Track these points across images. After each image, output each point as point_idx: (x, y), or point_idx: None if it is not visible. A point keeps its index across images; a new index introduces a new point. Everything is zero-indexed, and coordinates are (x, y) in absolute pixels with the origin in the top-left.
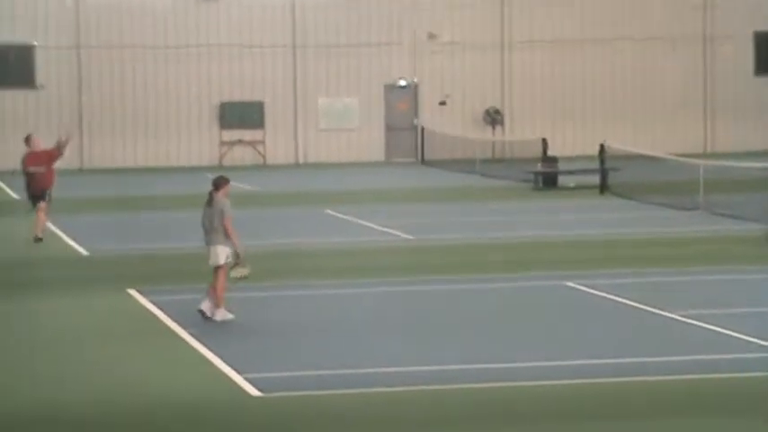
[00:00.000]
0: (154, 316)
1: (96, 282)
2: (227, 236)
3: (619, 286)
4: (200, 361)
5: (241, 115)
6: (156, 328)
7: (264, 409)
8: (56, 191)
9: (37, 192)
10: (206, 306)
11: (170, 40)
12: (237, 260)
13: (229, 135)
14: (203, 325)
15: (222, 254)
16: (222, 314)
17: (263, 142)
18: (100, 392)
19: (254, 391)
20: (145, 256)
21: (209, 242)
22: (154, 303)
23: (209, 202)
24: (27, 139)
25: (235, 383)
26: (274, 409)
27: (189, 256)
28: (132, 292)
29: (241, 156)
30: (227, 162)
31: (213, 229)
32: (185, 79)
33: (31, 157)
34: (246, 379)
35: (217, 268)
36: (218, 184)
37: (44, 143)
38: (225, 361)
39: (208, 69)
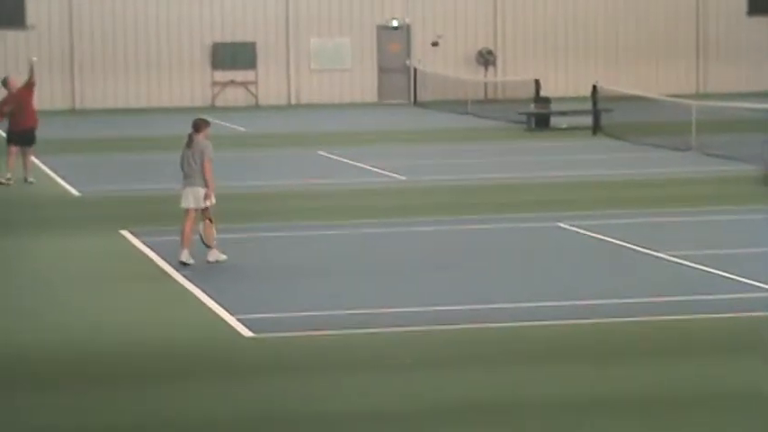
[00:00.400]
0: (147, 257)
1: (88, 223)
2: (204, 178)
3: (611, 227)
4: (193, 302)
5: (233, 56)
6: (149, 270)
7: (256, 350)
8: (48, 132)
9: (25, 133)
10: (212, 255)
11: None
12: (207, 203)
13: (222, 76)
14: (196, 266)
15: (202, 195)
16: (185, 256)
17: (255, 83)
18: (92, 333)
19: (246, 332)
20: (138, 197)
21: (188, 184)
22: (146, 245)
23: (189, 143)
24: (4, 82)
25: (227, 324)
26: (266, 350)
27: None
28: (125, 233)
29: (233, 96)
30: (219, 103)
31: (193, 171)
32: (177, 20)
33: (10, 99)
34: (239, 320)
35: (192, 210)
36: (198, 125)
37: (36, 84)
38: (217, 302)
39: (200, 10)
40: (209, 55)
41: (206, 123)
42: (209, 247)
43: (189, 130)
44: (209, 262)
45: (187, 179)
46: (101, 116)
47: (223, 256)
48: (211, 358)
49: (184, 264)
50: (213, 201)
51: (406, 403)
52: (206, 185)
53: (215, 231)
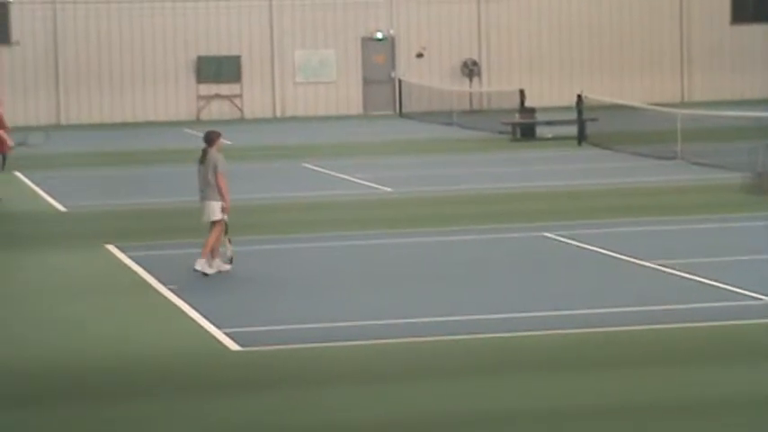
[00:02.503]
0: (133, 272)
1: (74, 238)
2: (219, 191)
3: (597, 236)
4: (180, 316)
5: (218, 69)
6: (136, 284)
7: (243, 363)
8: (33, 147)
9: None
10: (216, 265)
11: None
12: (223, 215)
13: (207, 89)
14: (183, 280)
15: (218, 209)
16: (216, 265)
17: (240, 96)
18: (78, 347)
19: (233, 346)
20: (124, 211)
21: (203, 198)
22: (133, 259)
23: (202, 158)
24: None
25: (214, 338)
26: (253, 363)
27: (169, 211)
28: (111, 247)
29: (219, 110)
30: (204, 116)
31: (207, 184)
32: (162, 34)
33: None
34: (226, 333)
35: (213, 224)
36: (210, 138)
37: (21, 99)
38: (204, 316)
39: (184, 23)
40: (194, 68)
41: (217, 135)
42: (212, 257)
43: (174, 144)
44: (195, 270)
45: (202, 193)
46: (86, 131)
47: (211, 271)
48: (198, 372)
49: (198, 272)
50: (218, 215)
51: (392, 415)
52: (221, 199)
53: (229, 245)
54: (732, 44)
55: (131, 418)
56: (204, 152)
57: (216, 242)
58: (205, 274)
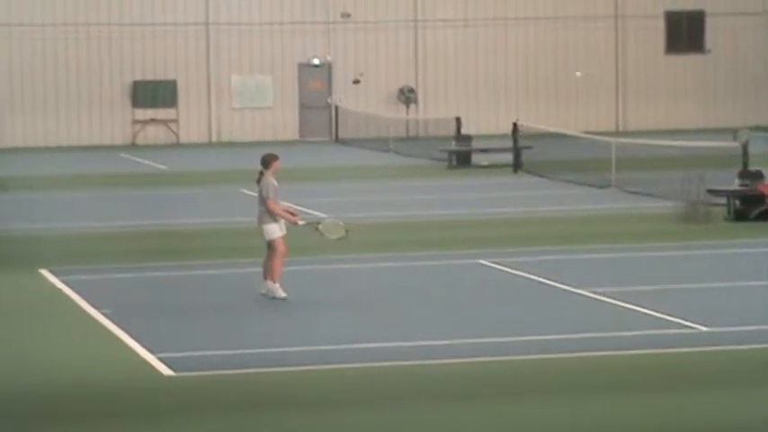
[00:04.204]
0: (66, 296)
1: (6, 262)
2: (273, 216)
3: (531, 264)
4: (113, 341)
5: (154, 94)
6: (69, 309)
7: (176, 389)
8: None
9: None
10: (277, 289)
11: (80, 18)
12: (317, 224)
13: (142, 114)
14: (116, 305)
15: (268, 231)
16: (276, 290)
17: (176, 121)
18: (7, 372)
19: (166, 371)
20: (57, 236)
21: (258, 220)
22: (66, 284)
23: (258, 180)
24: None
25: (147, 363)
26: (187, 389)
27: (103, 235)
28: (44, 272)
29: (154, 134)
30: (140, 141)
31: (260, 207)
32: (98, 58)
33: None
34: (159, 358)
35: (270, 243)
36: (266, 161)
37: None
38: (137, 340)
39: (120, 48)
40: (130, 93)
41: (274, 158)
42: (269, 279)
43: (108, 168)
44: (262, 294)
45: (258, 214)
46: (19, 155)
47: (282, 294)
48: (130, 398)
49: (274, 298)
50: (273, 235)
51: None
52: (274, 221)
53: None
54: (666, 74)
55: None
56: (260, 174)
57: (277, 263)
58: (281, 298)
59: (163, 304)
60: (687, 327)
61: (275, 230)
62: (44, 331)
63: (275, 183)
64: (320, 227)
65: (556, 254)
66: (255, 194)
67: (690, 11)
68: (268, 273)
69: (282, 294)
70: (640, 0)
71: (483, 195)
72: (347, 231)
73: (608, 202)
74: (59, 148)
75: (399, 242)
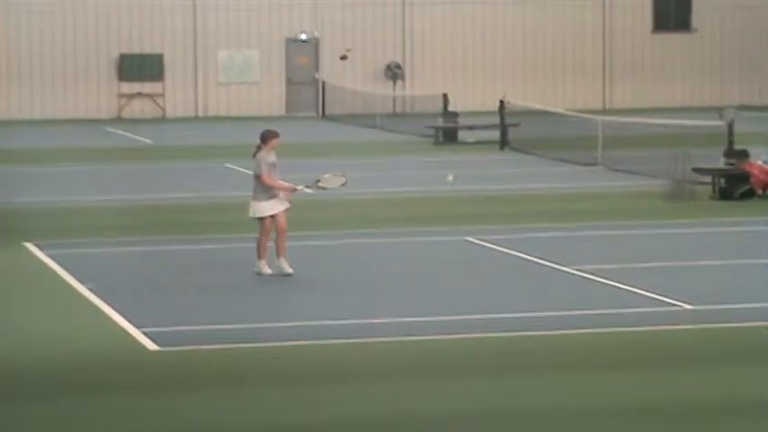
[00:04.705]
0: (51, 270)
1: None
2: (267, 190)
3: (518, 241)
4: (97, 315)
5: (140, 67)
6: (54, 283)
7: (161, 363)
8: None
9: None
10: (282, 265)
11: None
12: (317, 182)
13: (129, 87)
14: (101, 279)
15: (255, 208)
16: (259, 266)
17: (162, 95)
18: None
19: (151, 345)
20: (42, 209)
21: (251, 197)
22: (51, 257)
23: (254, 155)
24: None
25: (132, 337)
26: (171, 363)
27: (87, 209)
28: (29, 245)
29: (140, 108)
30: (126, 114)
31: (254, 183)
32: (84, 31)
33: None
34: (144, 333)
35: (259, 219)
36: (265, 137)
37: None
38: (122, 315)
39: (107, 21)
40: (116, 66)
41: (273, 135)
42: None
43: (93, 142)
44: (256, 273)
45: (252, 191)
46: (4, 128)
47: (288, 269)
48: (115, 372)
49: (259, 274)
50: (257, 213)
51: (306, 416)
52: (266, 200)
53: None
54: (654, 52)
55: (43, 418)
56: (257, 149)
57: (263, 239)
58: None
59: (148, 278)
60: (671, 304)
61: (264, 209)
62: (28, 305)
63: (274, 159)
64: (320, 183)
65: (542, 231)
66: (240, 169)
67: None
68: (278, 251)
69: (289, 270)
70: None
71: (470, 172)
72: (345, 177)
73: (594, 180)
74: (45, 121)
75: (385, 218)
